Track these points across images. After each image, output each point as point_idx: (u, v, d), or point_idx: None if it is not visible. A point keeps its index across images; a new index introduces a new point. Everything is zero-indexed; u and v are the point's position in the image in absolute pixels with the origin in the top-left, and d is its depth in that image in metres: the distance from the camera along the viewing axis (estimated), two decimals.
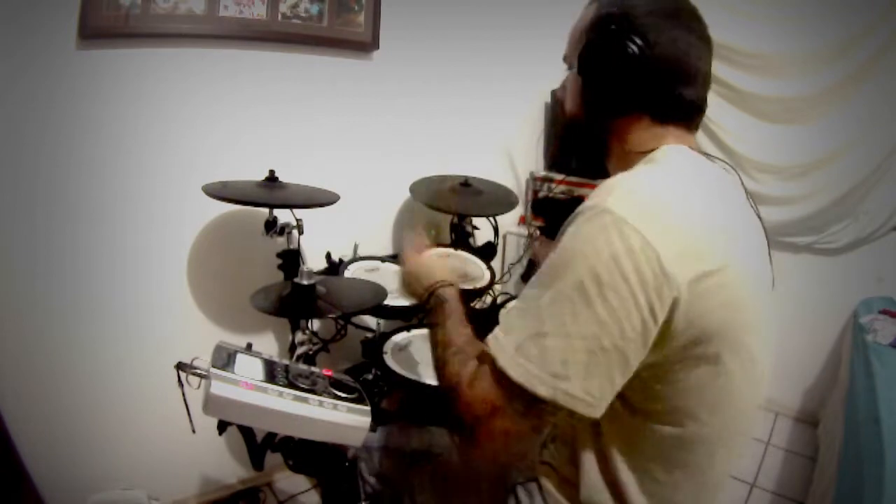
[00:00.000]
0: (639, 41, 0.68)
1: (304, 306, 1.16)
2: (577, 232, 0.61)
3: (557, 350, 0.59)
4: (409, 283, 0.92)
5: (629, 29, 0.69)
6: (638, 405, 0.66)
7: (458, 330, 0.74)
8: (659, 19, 0.69)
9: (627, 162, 0.73)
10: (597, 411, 0.61)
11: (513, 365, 0.61)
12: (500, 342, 0.63)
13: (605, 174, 0.82)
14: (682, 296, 0.58)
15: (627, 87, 0.71)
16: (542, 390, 0.59)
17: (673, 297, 0.57)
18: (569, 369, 0.59)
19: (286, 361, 0.93)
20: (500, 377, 0.61)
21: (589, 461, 0.71)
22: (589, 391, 0.60)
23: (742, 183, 0.75)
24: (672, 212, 0.61)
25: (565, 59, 0.81)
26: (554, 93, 2.08)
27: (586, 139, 0.80)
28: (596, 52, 0.71)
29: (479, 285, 1.52)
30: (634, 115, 0.73)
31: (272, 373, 0.87)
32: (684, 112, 0.74)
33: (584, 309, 0.58)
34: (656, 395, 0.64)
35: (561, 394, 0.59)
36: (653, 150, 0.71)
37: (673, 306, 0.58)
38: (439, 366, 0.72)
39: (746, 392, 0.68)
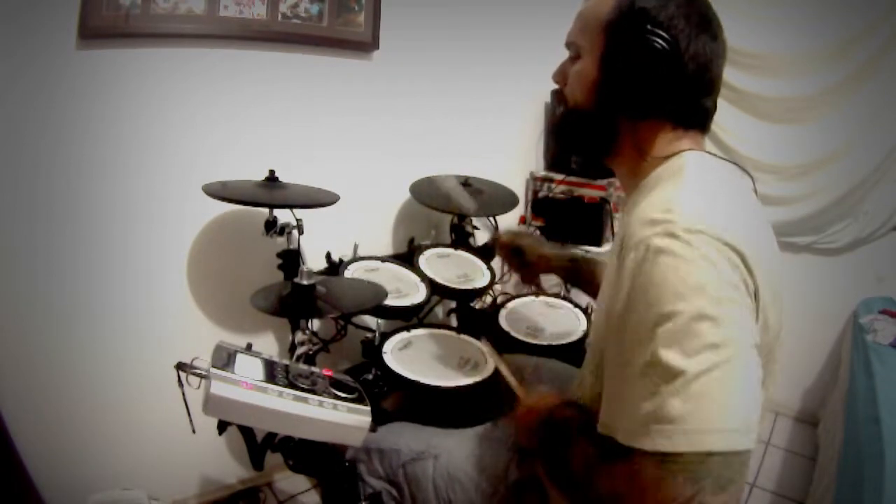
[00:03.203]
0: (674, 46, 0.65)
1: (304, 306, 1.16)
2: (666, 262, 0.55)
3: (708, 393, 0.52)
4: (526, 430, 0.77)
5: (665, 31, 0.65)
6: None
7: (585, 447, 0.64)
8: (692, 25, 0.66)
9: (640, 165, 0.72)
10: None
11: (666, 439, 0.52)
12: (629, 428, 0.56)
13: (601, 171, 0.81)
14: (761, 297, 0.59)
15: (655, 92, 0.67)
16: (718, 443, 0.51)
17: (758, 300, 0.59)
18: (727, 409, 0.52)
19: (286, 361, 0.93)
20: (664, 460, 0.53)
21: None
22: (753, 421, 0.53)
23: (753, 183, 0.75)
24: (733, 219, 0.61)
25: (570, 45, 0.76)
26: (554, 92, 2.08)
27: (589, 133, 0.75)
28: (626, 50, 0.66)
29: (479, 285, 1.52)
30: (654, 120, 0.71)
31: (272, 373, 0.87)
32: (703, 119, 0.73)
33: (716, 329, 0.53)
34: None
35: (736, 437, 0.52)
36: (672, 156, 0.69)
37: (759, 309, 0.59)
38: (593, 489, 0.61)
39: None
